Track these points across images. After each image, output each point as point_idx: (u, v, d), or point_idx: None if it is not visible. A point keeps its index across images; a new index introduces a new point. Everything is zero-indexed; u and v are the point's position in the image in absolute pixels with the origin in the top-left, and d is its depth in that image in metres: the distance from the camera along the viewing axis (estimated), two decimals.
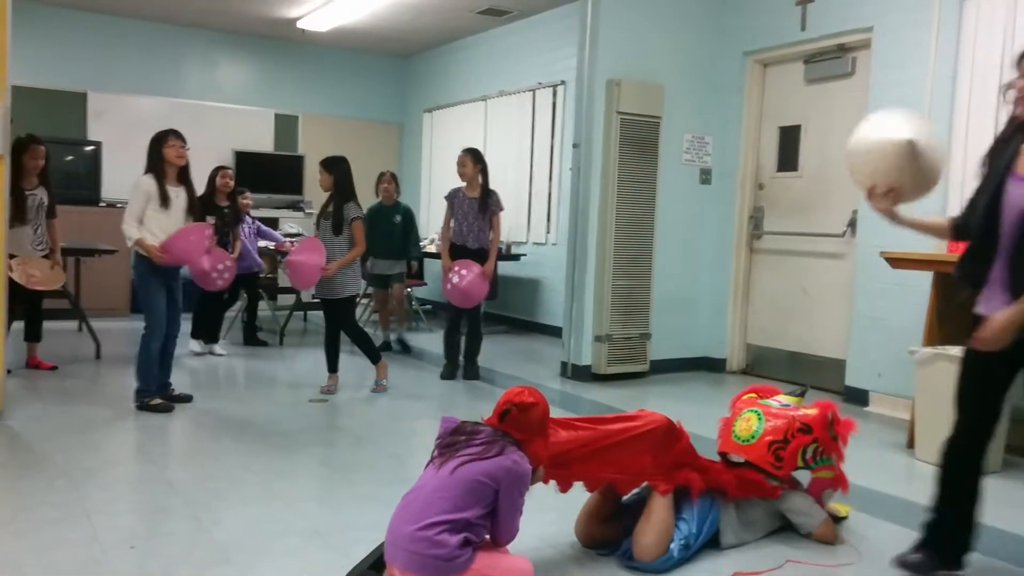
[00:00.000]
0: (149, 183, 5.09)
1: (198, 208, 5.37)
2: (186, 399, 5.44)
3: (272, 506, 3.60)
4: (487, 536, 2.70)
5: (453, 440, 2.73)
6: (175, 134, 5.17)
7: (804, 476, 3.52)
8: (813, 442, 3.41)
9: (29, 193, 6.04)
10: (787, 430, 3.41)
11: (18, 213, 5.91)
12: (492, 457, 2.62)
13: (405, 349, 7.81)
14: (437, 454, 2.73)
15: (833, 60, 6.44)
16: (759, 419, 3.50)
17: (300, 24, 9.84)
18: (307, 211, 10.58)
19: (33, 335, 6.43)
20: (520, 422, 2.77)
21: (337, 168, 5.85)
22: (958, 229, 3.04)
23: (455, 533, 2.55)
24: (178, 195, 5.20)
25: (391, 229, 7.62)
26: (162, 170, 5.14)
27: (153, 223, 5.09)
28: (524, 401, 2.77)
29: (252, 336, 7.89)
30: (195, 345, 7.24)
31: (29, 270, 5.96)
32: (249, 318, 7.92)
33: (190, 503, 3.58)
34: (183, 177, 5.27)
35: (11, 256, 5.85)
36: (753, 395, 3.75)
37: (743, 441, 3.48)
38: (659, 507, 3.12)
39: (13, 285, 5.90)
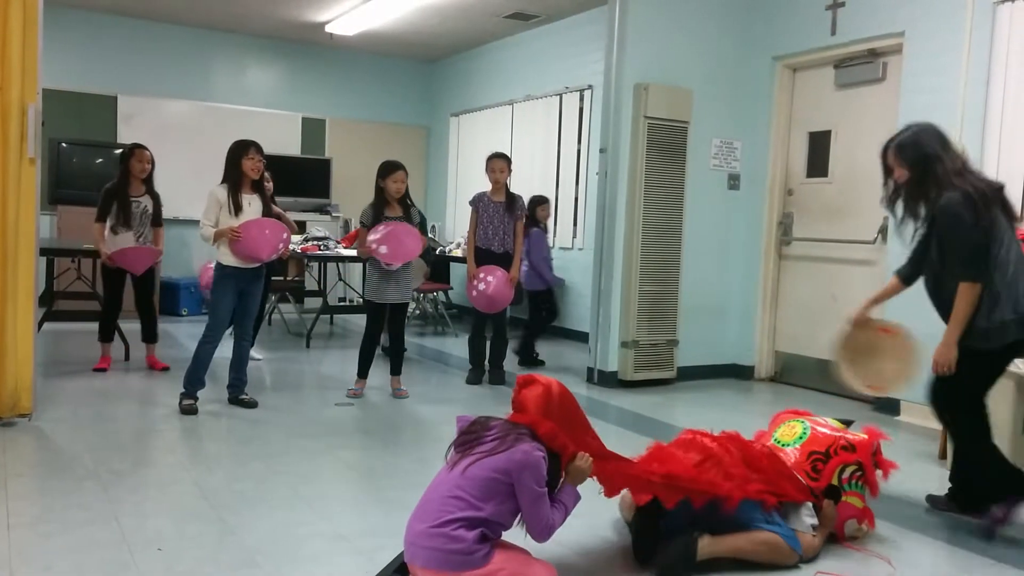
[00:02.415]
0: (221, 192, 5.22)
1: (272, 216, 5.46)
2: (251, 404, 5.43)
3: (298, 510, 3.60)
4: (503, 533, 2.70)
5: (466, 439, 2.74)
6: (255, 147, 5.27)
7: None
8: (856, 463, 3.38)
9: (134, 199, 6.25)
10: (831, 445, 3.39)
11: (122, 218, 6.19)
12: (503, 452, 2.62)
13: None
14: (452, 453, 2.74)
15: (864, 65, 6.38)
16: (804, 429, 3.48)
17: (328, 28, 9.89)
18: (334, 214, 10.62)
19: (149, 336, 6.57)
20: (520, 401, 2.79)
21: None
22: (907, 279, 3.97)
23: (471, 529, 2.56)
24: (251, 203, 5.29)
25: None
26: (238, 179, 5.24)
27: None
28: (523, 378, 2.83)
29: (528, 356, 7.55)
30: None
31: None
32: (529, 336, 7.60)
33: (217, 506, 3.59)
34: (258, 186, 5.37)
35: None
36: (796, 415, 3.72)
37: (784, 445, 3.45)
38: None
39: (118, 287, 6.38)
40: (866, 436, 3.47)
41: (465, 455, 2.67)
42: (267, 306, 7.97)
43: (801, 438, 3.43)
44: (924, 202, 3.63)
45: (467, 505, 2.58)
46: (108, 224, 6.22)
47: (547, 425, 2.74)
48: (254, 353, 7.16)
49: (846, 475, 3.36)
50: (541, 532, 2.69)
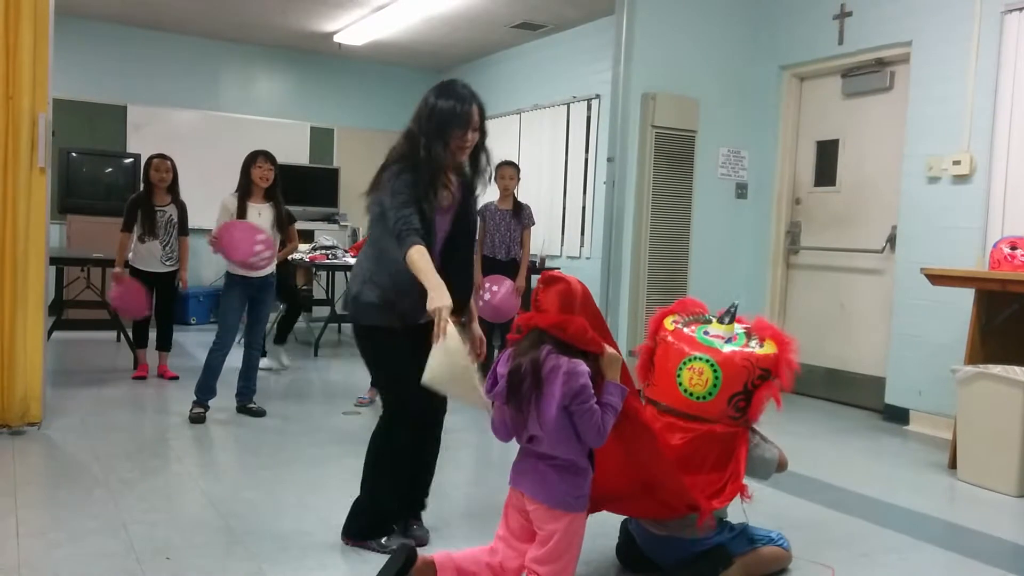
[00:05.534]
0: (231, 201, 5.33)
1: (286, 224, 5.54)
2: (259, 413, 5.44)
3: (305, 519, 3.60)
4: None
5: (519, 398, 2.69)
6: (264, 156, 5.37)
7: None
8: (776, 384, 3.13)
9: (159, 209, 6.34)
10: (747, 379, 3.08)
11: (148, 228, 6.29)
12: (549, 392, 2.64)
13: None
14: (512, 409, 2.73)
15: (871, 74, 6.38)
16: (714, 372, 3.11)
17: (337, 38, 9.92)
18: (342, 223, 10.64)
19: (163, 344, 6.57)
20: (544, 302, 2.75)
21: None
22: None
23: (578, 470, 2.71)
24: (262, 211, 5.36)
25: None
26: (249, 189, 5.33)
27: None
28: (546, 276, 2.78)
29: None
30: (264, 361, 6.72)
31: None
32: None
33: (225, 515, 3.59)
34: (271, 195, 5.43)
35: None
36: (676, 318, 3.42)
37: (698, 398, 3.10)
38: None
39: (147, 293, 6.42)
40: (774, 348, 3.19)
41: (527, 410, 2.68)
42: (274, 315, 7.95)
43: (716, 384, 3.09)
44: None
45: (568, 448, 2.68)
46: (136, 234, 6.30)
47: (577, 321, 2.70)
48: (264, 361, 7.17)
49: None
50: (596, 438, 2.68)
